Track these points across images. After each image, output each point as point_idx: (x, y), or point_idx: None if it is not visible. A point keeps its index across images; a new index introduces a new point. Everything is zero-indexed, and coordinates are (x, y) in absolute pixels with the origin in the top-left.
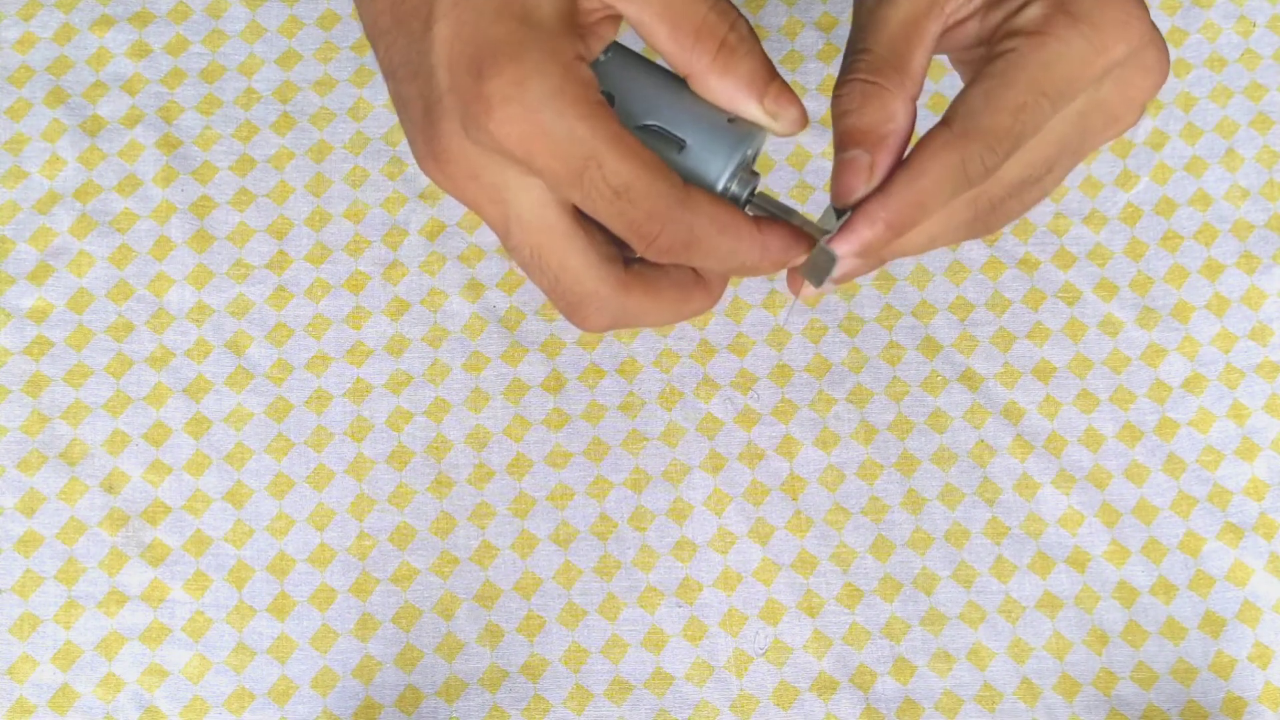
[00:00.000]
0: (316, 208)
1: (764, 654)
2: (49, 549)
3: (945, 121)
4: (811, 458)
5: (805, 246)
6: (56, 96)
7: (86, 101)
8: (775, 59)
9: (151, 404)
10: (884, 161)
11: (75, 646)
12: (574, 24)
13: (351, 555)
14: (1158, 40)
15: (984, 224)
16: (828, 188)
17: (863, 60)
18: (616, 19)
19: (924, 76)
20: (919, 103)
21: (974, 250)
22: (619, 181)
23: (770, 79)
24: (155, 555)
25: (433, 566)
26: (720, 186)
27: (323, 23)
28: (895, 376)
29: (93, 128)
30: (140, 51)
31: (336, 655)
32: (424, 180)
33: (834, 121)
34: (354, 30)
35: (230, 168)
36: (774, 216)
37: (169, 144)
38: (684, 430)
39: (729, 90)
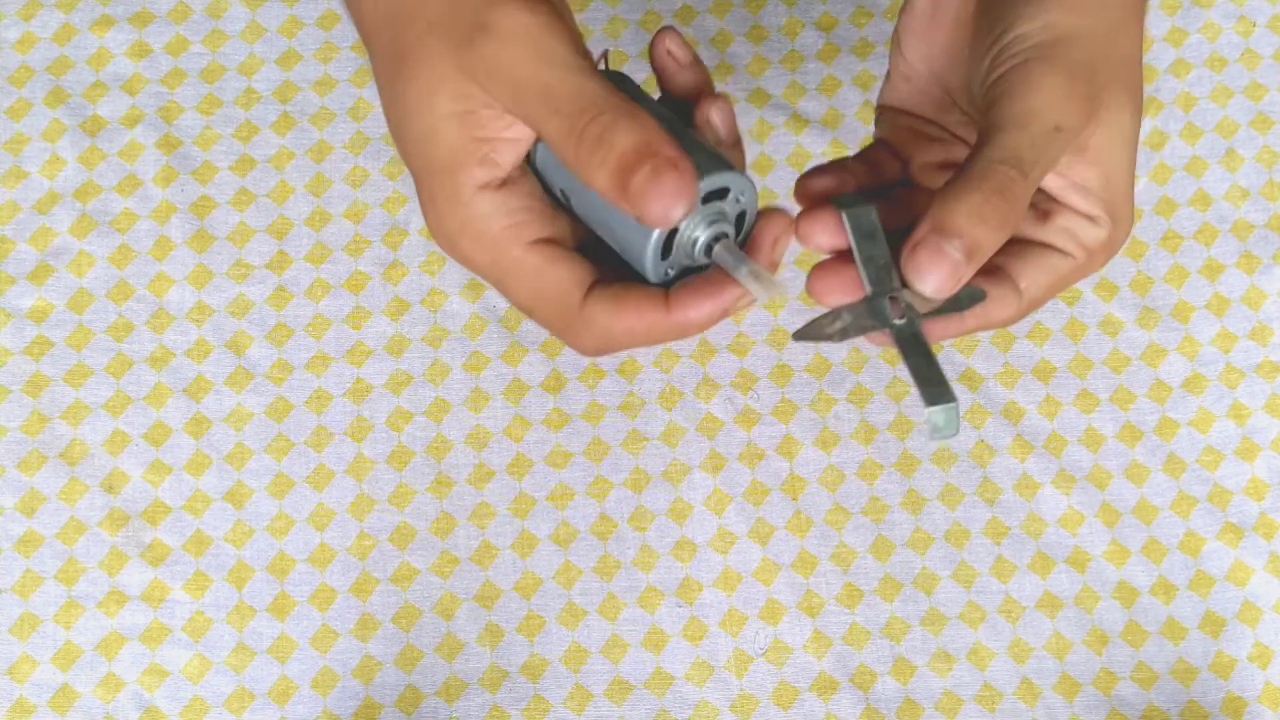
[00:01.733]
0: (316, 208)
1: (764, 654)
2: (49, 549)
3: (1016, 287)
4: (811, 458)
5: (734, 298)
6: (56, 96)
7: (86, 101)
8: (775, 59)
9: (151, 404)
10: (966, 280)
11: (75, 646)
12: (471, 157)
13: (351, 555)
14: None
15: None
16: None
17: (1020, 187)
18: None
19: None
20: None
21: None
22: (522, 304)
23: (631, 170)
24: (155, 555)
25: (433, 566)
26: (653, 279)
27: (323, 23)
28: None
29: (93, 128)
30: (140, 51)
31: (336, 655)
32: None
33: (956, 202)
34: (354, 31)
35: (230, 168)
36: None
37: (169, 144)
38: (684, 430)
39: (603, 189)
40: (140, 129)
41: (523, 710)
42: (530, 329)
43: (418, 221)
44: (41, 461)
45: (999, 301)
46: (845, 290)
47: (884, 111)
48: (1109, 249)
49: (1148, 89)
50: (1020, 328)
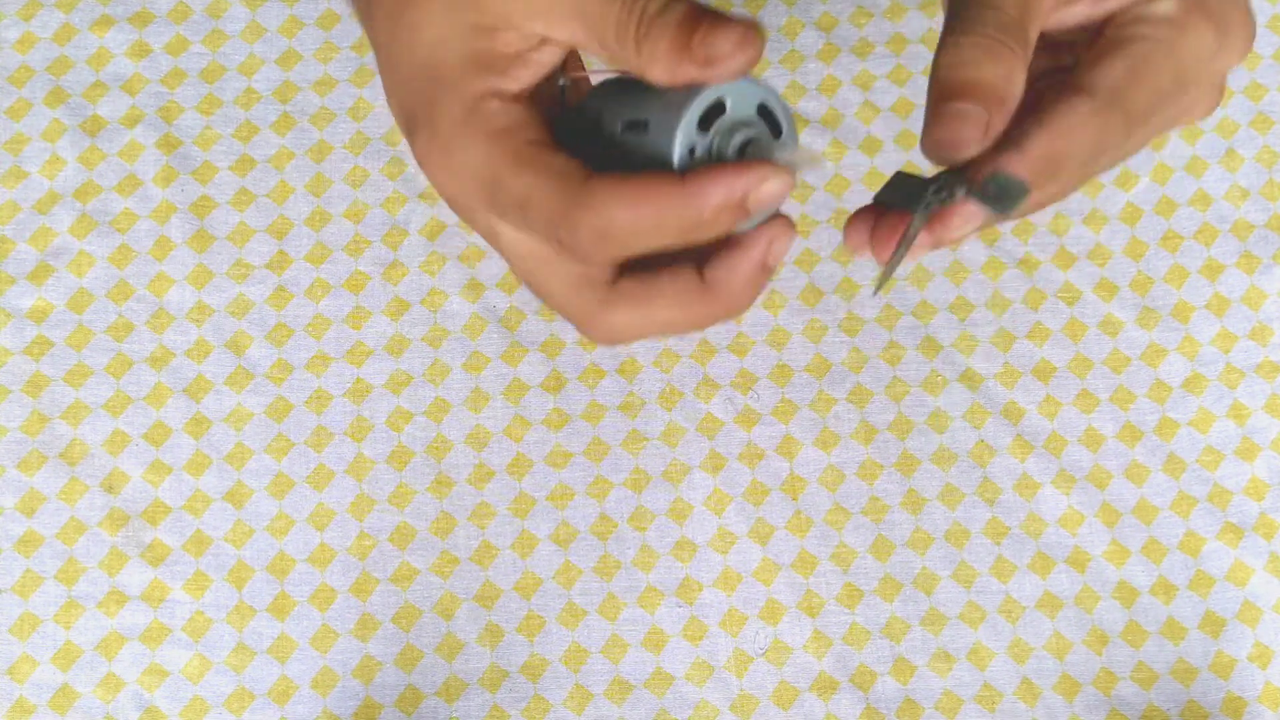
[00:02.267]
0: (316, 208)
1: (764, 654)
2: (49, 549)
3: (1084, 90)
4: (811, 458)
5: (759, 177)
6: (56, 96)
7: (86, 101)
8: (775, 59)
9: (151, 404)
10: (999, 123)
11: (75, 646)
12: (484, 65)
13: (351, 555)
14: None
15: (1081, 185)
16: (829, 188)
17: (991, 16)
18: (556, 44)
19: (1032, 51)
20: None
21: (974, 250)
22: (517, 196)
23: (691, 32)
24: (155, 555)
25: (433, 566)
26: (676, 154)
27: (323, 23)
28: (895, 376)
29: (93, 128)
30: (140, 51)
31: (336, 655)
32: (424, 180)
33: (944, 72)
34: (354, 30)
35: (230, 168)
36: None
37: (169, 144)
38: (684, 430)
39: (663, 70)
40: (140, 129)
41: (523, 710)
42: (530, 329)
43: (418, 221)
44: (41, 461)
45: (1061, 109)
46: (896, 228)
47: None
48: (1204, 11)
49: None
50: (1020, 328)
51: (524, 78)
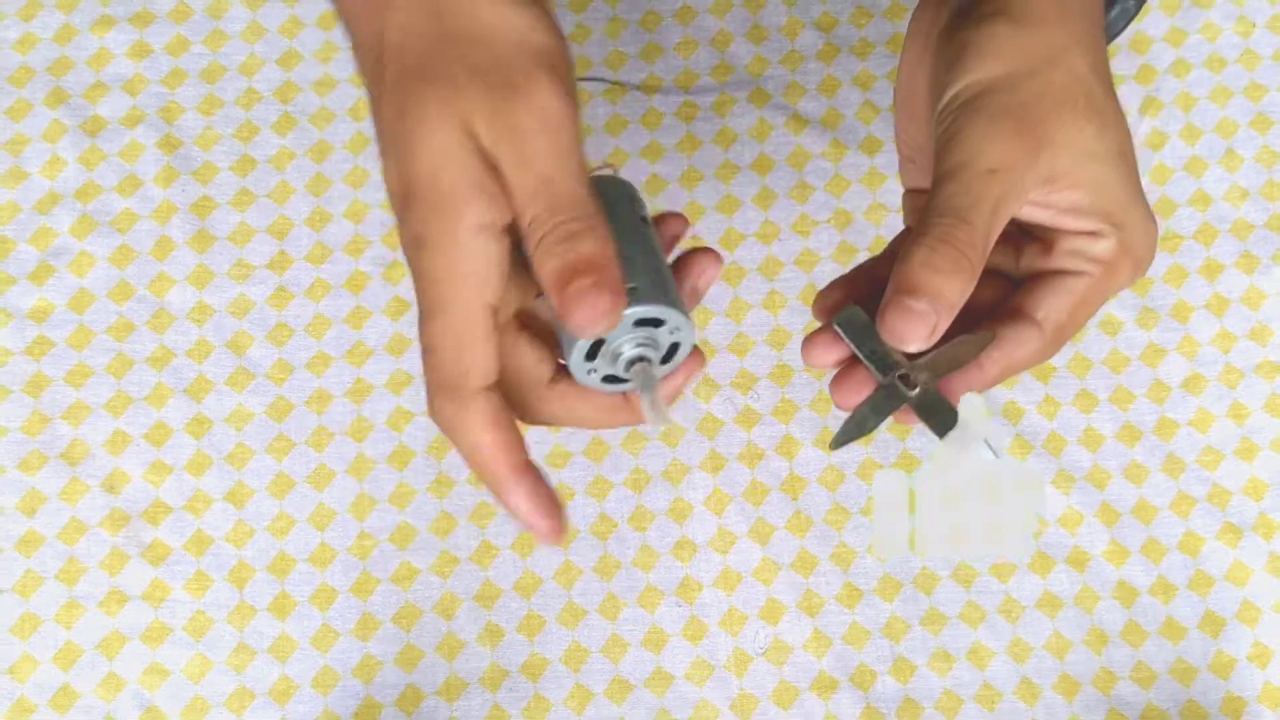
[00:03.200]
0: (317, 208)
1: (764, 653)
2: (50, 549)
3: (1034, 324)
4: (811, 457)
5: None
6: (57, 97)
7: (87, 102)
8: (775, 59)
9: (152, 404)
10: (943, 326)
11: (76, 646)
12: (484, 190)
13: (352, 555)
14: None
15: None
16: (829, 188)
17: (963, 232)
18: None
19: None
20: None
21: None
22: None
23: (575, 275)
24: (156, 555)
25: (433, 566)
26: (576, 373)
27: (323, 23)
28: None
29: (93, 128)
30: (141, 52)
31: (337, 655)
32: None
33: (910, 268)
34: None
35: (231, 168)
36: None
37: (170, 144)
38: (684, 430)
39: (547, 280)
40: (141, 129)
41: (523, 710)
42: None
43: None
44: (42, 461)
45: (1016, 339)
46: (861, 388)
47: (907, 195)
48: (1129, 255)
49: (1147, 89)
50: None
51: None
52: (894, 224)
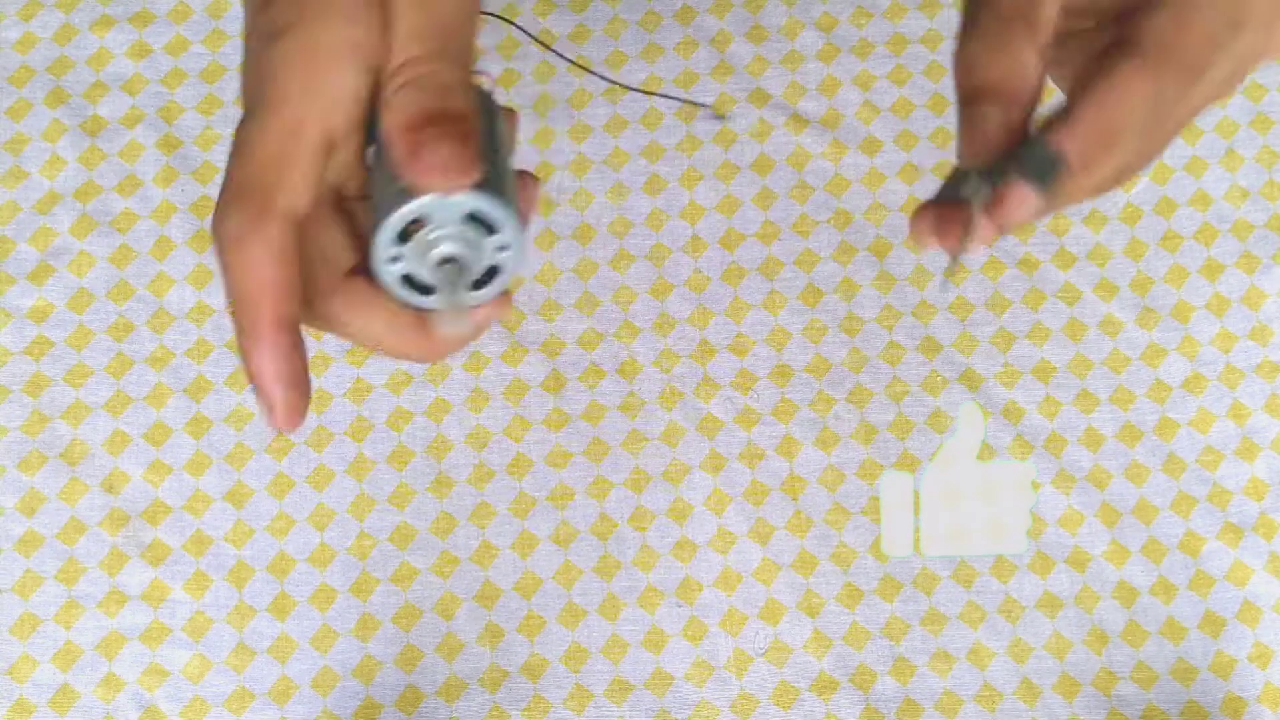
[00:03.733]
0: None
1: (764, 654)
2: (49, 549)
3: (1129, 47)
4: (811, 458)
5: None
6: (57, 97)
7: (87, 102)
8: (775, 59)
9: (152, 404)
10: (1018, 116)
11: (75, 646)
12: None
13: (351, 555)
14: None
15: (1156, 155)
16: (829, 188)
17: (987, 12)
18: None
19: (1053, 26)
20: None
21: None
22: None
23: (435, 121)
24: (155, 555)
25: (433, 566)
26: (377, 269)
27: None
28: (895, 376)
29: (93, 128)
30: (140, 51)
31: (337, 655)
32: None
33: (959, 77)
34: None
35: None
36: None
37: (169, 144)
38: (684, 430)
39: (403, 121)
40: (140, 129)
41: (523, 710)
42: (531, 329)
43: None
44: (42, 461)
45: (1111, 80)
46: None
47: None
48: (1187, 37)
49: None
50: (1020, 328)
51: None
52: (894, 224)
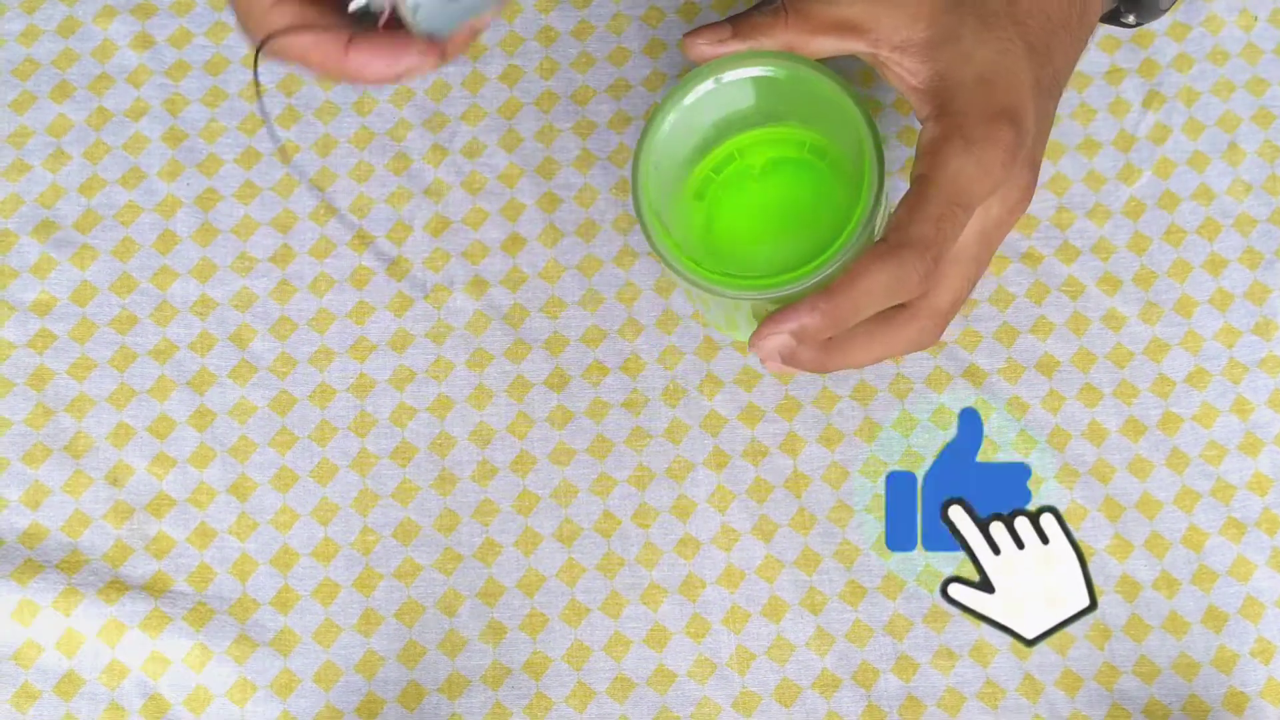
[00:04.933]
0: (321, 202)
1: (766, 651)
2: (53, 541)
3: (882, 238)
4: (815, 454)
5: (409, 57)
6: (62, 90)
7: (92, 94)
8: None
9: (155, 397)
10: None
11: (77, 633)
12: None
13: (355, 550)
14: (1026, 162)
15: (936, 335)
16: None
17: None
18: None
19: None
20: None
21: None
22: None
23: None
24: (159, 548)
25: (436, 563)
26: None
27: None
28: (899, 373)
29: (98, 121)
30: (144, 43)
31: (339, 650)
32: (429, 176)
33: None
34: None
35: (235, 160)
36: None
37: (174, 137)
38: (688, 427)
39: None
40: (145, 121)
41: (525, 708)
42: (534, 326)
43: (422, 217)
44: (46, 455)
45: None
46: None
47: None
48: (949, 147)
49: (1150, 83)
50: (1024, 322)
51: None
52: None
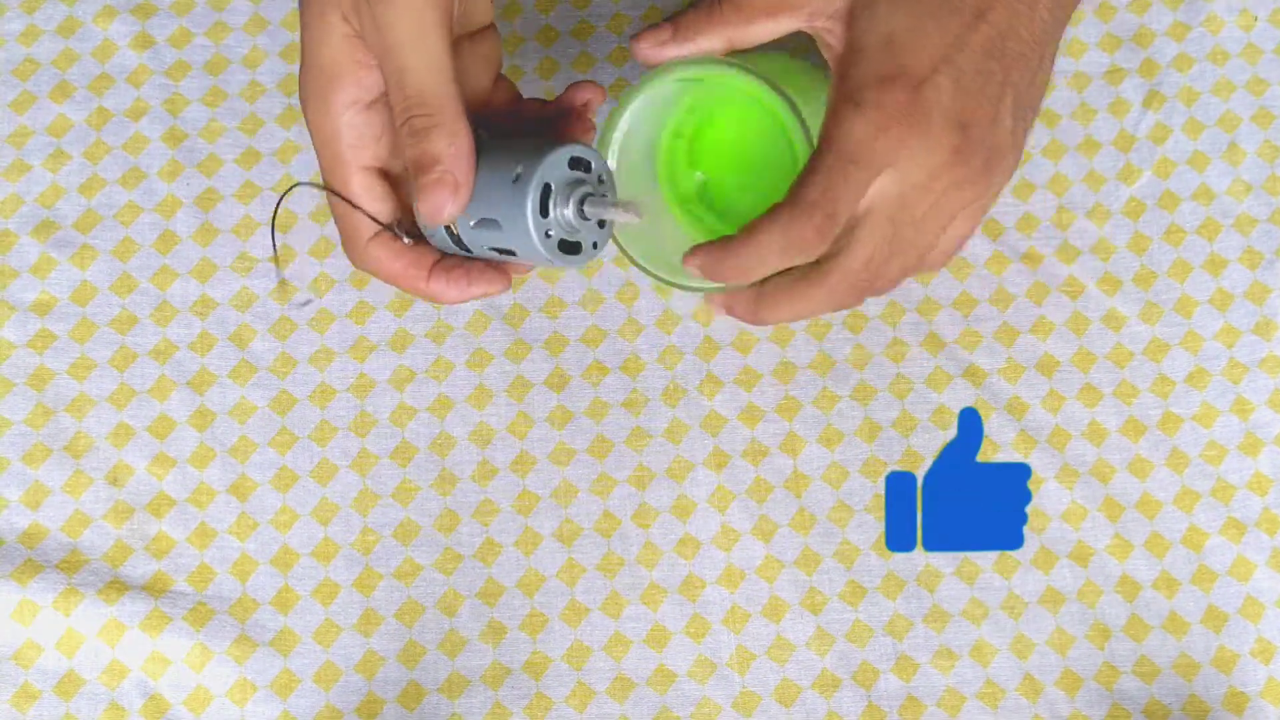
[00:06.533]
0: (320, 203)
1: (766, 651)
2: (53, 541)
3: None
4: (815, 455)
5: (479, 286)
6: (62, 90)
7: (92, 94)
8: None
9: (155, 397)
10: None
11: (77, 634)
12: (348, 72)
13: (355, 550)
14: (946, 122)
15: (854, 295)
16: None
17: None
18: None
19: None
20: None
21: (977, 246)
22: (333, 202)
23: (423, 169)
24: (159, 548)
25: (436, 563)
26: (536, 242)
27: None
28: (899, 373)
29: (98, 121)
30: (144, 43)
31: (339, 650)
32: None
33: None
34: None
35: (235, 160)
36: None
37: (174, 137)
38: (688, 427)
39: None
40: (146, 121)
41: (525, 708)
42: (534, 326)
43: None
44: (46, 455)
45: None
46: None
47: None
48: (842, 109)
49: (1151, 83)
50: (1024, 322)
51: (378, 84)
52: None
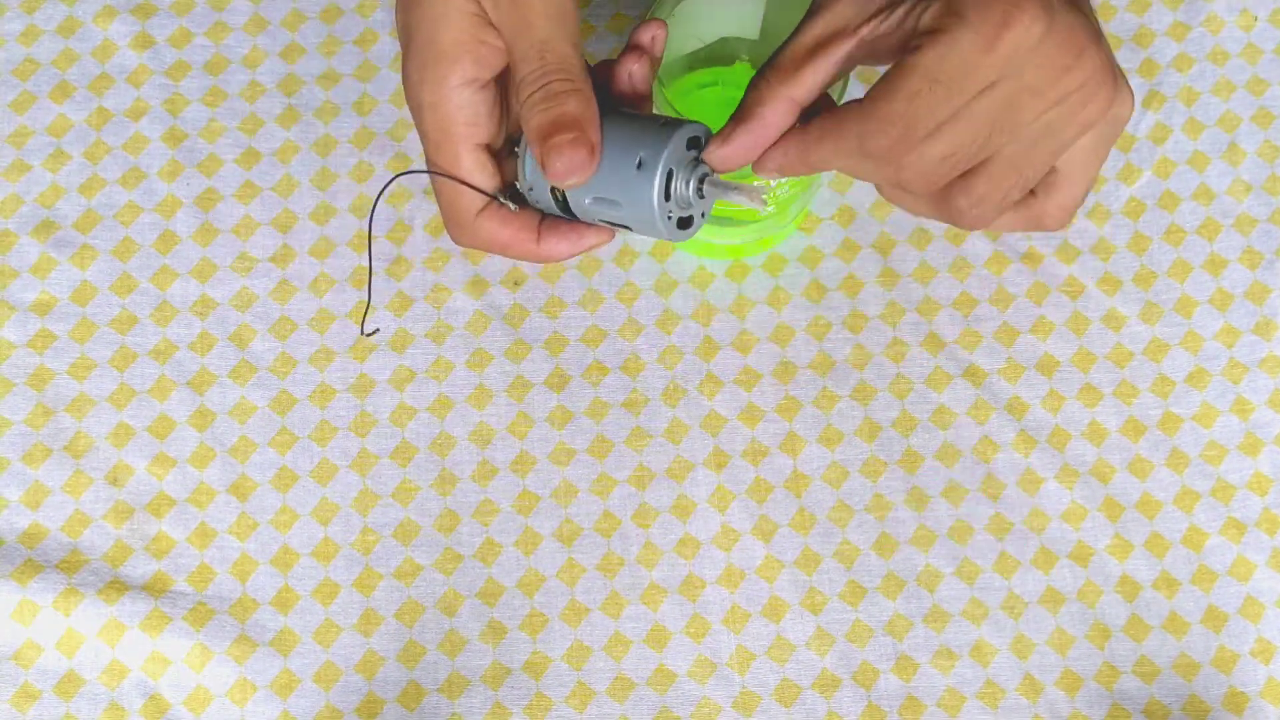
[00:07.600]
0: (321, 202)
1: (766, 651)
2: (53, 541)
3: (859, 100)
4: (815, 455)
5: (589, 238)
6: (62, 90)
7: (92, 94)
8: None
9: (155, 397)
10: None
11: (77, 634)
12: (469, 50)
13: (355, 550)
14: (1061, 35)
15: (938, 203)
16: (832, 185)
17: (766, 67)
18: None
19: (818, 84)
20: None
21: (978, 245)
22: (437, 182)
23: (559, 130)
24: (159, 548)
25: (436, 563)
26: (660, 224)
27: (325, 16)
28: (899, 373)
29: (98, 121)
30: (144, 43)
31: (339, 650)
32: (427, 177)
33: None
34: (357, 24)
35: (236, 160)
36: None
37: (174, 137)
38: (687, 427)
39: (531, 131)
40: (145, 121)
41: (525, 708)
42: (534, 326)
43: (422, 218)
44: (46, 455)
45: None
46: None
47: None
48: (946, 22)
49: (1150, 83)
50: (1024, 322)
51: (497, 64)
52: (899, 220)
